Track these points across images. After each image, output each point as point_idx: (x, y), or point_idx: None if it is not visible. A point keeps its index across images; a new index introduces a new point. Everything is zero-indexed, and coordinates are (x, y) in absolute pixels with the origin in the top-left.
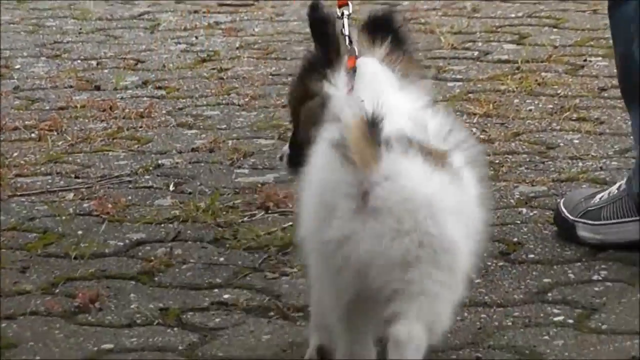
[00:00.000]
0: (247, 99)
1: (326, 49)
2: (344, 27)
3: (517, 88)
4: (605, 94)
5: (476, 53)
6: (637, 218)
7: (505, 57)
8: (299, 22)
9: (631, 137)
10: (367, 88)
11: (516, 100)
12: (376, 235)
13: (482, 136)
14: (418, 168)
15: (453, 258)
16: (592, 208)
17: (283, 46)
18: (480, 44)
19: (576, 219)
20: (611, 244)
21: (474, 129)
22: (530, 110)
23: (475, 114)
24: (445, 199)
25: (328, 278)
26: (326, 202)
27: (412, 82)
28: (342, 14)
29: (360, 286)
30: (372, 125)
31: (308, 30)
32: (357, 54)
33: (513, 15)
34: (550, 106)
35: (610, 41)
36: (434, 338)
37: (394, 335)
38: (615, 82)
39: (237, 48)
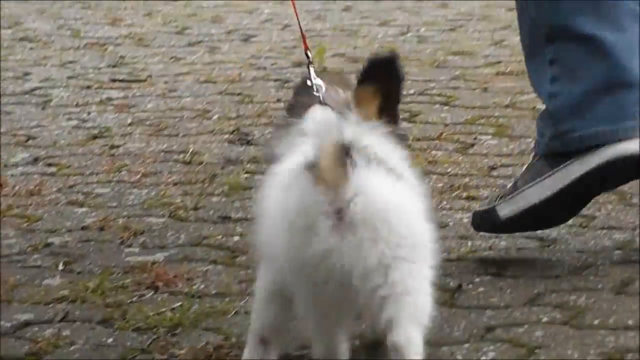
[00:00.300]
0: (138, 176)
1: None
2: (310, 74)
3: None
4: (495, 173)
5: None
6: (550, 173)
7: None
8: (192, 98)
9: None
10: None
11: None
12: (356, 246)
13: None
14: (383, 181)
15: (425, 251)
16: (507, 189)
17: (175, 122)
18: None
19: (495, 203)
20: (534, 206)
21: None
22: None
23: None
24: (410, 204)
25: (309, 291)
26: (302, 223)
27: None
28: (309, 60)
29: (343, 297)
30: (340, 148)
31: (200, 106)
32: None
33: (404, 93)
34: (441, 185)
35: (500, 119)
36: (425, 327)
37: (394, 342)
38: (504, 160)
39: (129, 124)
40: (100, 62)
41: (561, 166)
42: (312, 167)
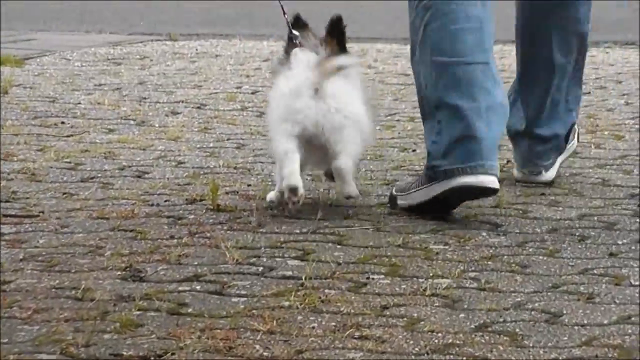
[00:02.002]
0: (29, 313)
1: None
2: (290, 31)
3: (301, 305)
4: (387, 312)
5: (261, 268)
6: (426, 185)
7: (289, 273)
8: (84, 234)
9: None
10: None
11: (300, 317)
12: (324, 110)
13: (265, 353)
14: (340, 80)
15: (362, 124)
16: (407, 183)
17: (67, 259)
18: (264, 259)
19: (397, 194)
20: (420, 203)
21: (257, 347)
22: (314, 327)
23: (258, 331)
24: (355, 94)
25: (287, 130)
26: (295, 92)
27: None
28: (289, 22)
29: (310, 135)
30: (322, 63)
31: (92, 242)
32: (298, 45)
33: (298, 231)
34: (333, 324)
35: (393, 259)
36: (355, 163)
37: (338, 166)
38: (397, 299)
39: (21, 260)
40: None
41: (431, 183)
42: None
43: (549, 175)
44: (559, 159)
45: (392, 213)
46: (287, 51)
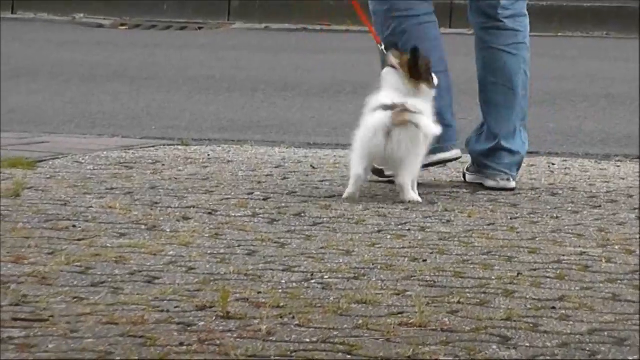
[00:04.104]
0: None
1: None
2: (384, 52)
3: None
4: None
5: None
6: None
7: None
8: (94, 340)
9: None
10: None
11: None
12: (393, 147)
13: None
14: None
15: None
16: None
17: None
18: None
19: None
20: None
21: None
22: None
23: None
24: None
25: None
26: (374, 131)
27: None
28: (382, 45)
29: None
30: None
31: (102, 348)
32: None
33: (307, 340)
34: None
35: None
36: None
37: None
38: None
39: None
40: (3, 300)
41: None
42: (385, 108)
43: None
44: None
45: (403, 323)
46: (383, 66)
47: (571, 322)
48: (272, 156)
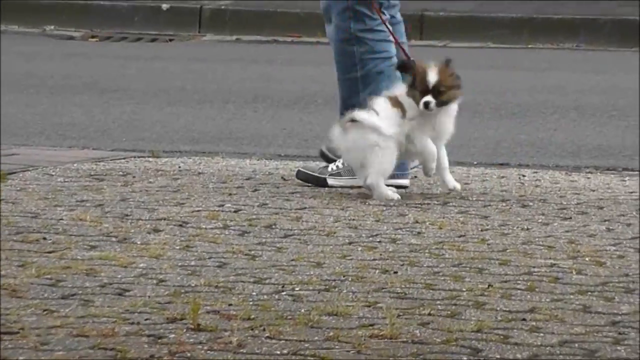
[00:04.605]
0: None
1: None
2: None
3: None
4: None
5: None
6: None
7: None
8: (64, 352)
9: None
10: None
11: None
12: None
13: None
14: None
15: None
16: (334, 172)
17: None
18: None
19: (325, 176)
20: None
21: None
22: None
23: None
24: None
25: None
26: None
27: None
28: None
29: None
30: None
31: None
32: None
33: (278, 352)
34: None
35: None
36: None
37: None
38: None
39: None
40: None
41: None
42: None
43: None
44: None
45: (374, 335)
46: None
47: (542, 334)
48: (243, 168)
